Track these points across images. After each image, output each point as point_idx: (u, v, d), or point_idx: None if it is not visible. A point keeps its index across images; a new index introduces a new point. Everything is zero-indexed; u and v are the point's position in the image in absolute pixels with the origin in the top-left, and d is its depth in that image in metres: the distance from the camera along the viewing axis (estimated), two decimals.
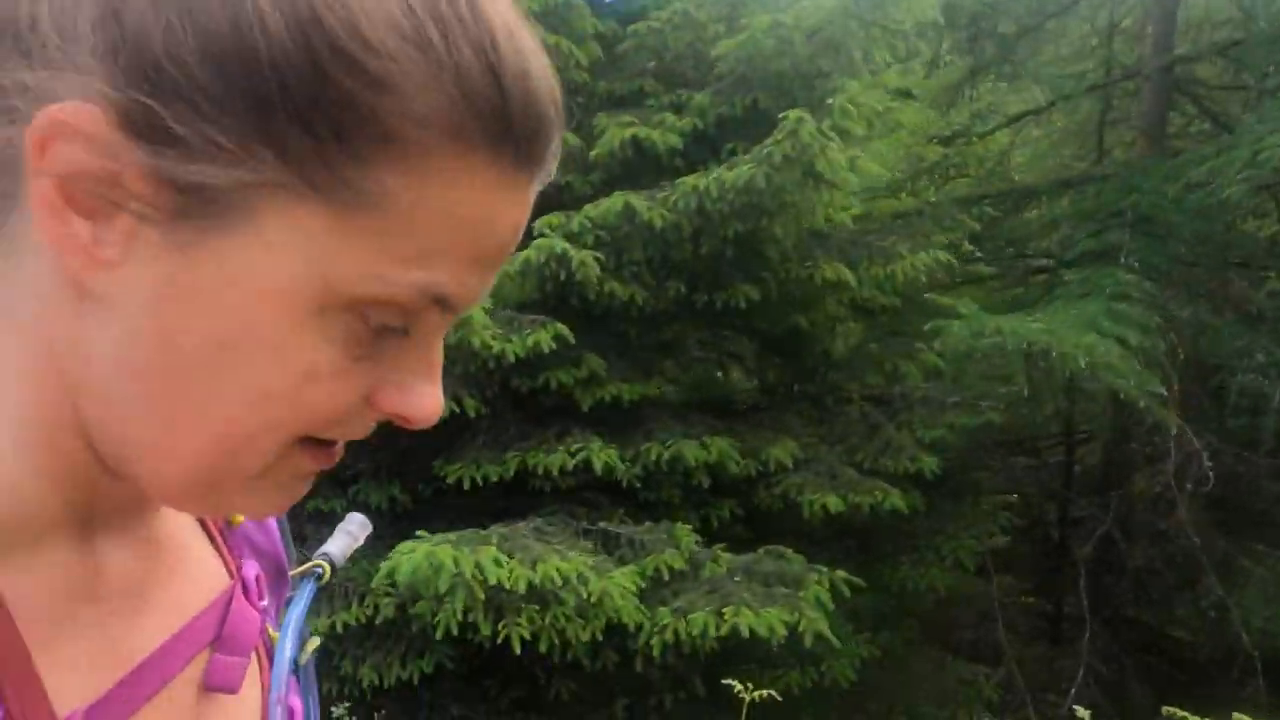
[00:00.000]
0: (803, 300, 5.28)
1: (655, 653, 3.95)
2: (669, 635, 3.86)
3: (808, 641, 3.85)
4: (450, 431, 4.58)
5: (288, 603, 0.51)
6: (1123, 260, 4.87)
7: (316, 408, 0.35)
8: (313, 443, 0.37)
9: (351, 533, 0.57)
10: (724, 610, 3.81)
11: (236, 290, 0.33)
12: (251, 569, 0.51)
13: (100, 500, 0.40)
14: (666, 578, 4.13)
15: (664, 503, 4.84)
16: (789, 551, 4.31)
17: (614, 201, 4.44)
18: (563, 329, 4.29)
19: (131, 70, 0.30)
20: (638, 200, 4.42)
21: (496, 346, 4.14)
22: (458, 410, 4.27)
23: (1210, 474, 4.68)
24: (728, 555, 4.35)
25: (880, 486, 4.65)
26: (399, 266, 0.34)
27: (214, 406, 0.35)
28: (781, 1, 5.01)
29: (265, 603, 0.51)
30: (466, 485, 4.53)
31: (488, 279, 0.37)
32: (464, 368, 4.34)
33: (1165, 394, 4.47)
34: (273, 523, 0.56)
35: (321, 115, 0.31)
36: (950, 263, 5.22)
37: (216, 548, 0.50)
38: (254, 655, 0.49)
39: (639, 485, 4.70)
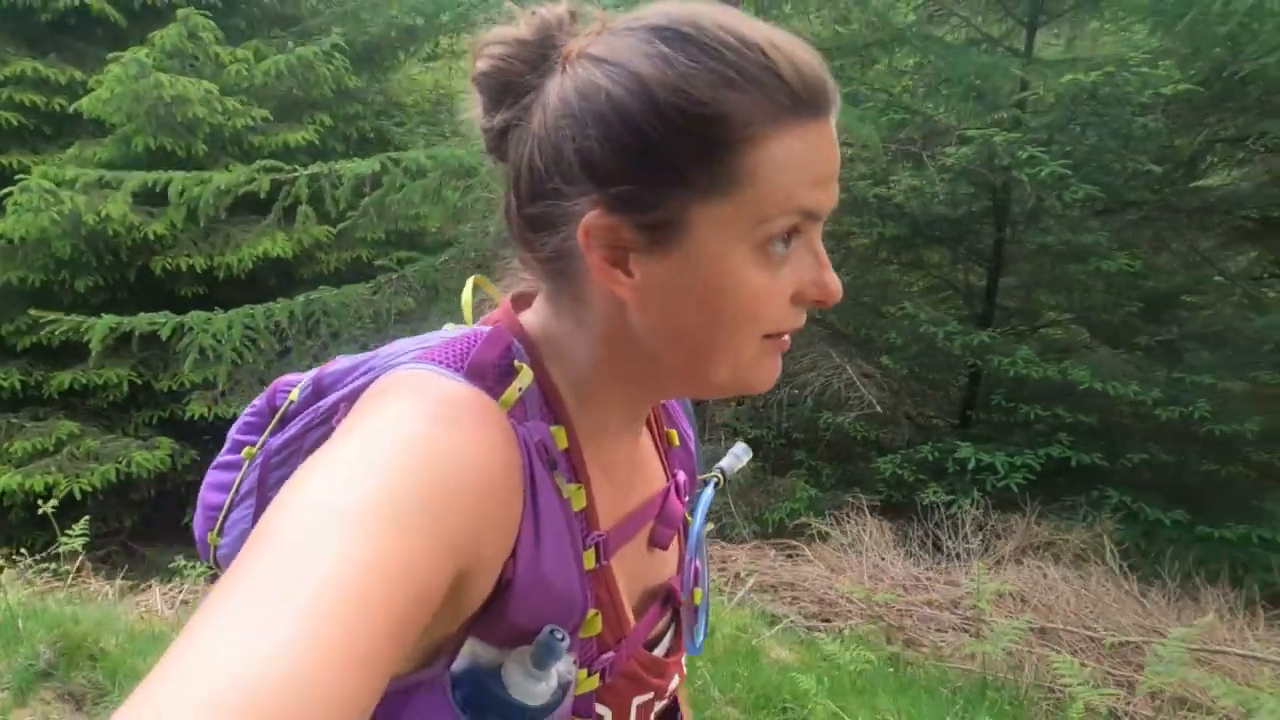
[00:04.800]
0: None
1: None
2: None
3: None
4: None
5: (695, 498, 0.80)
6: None
7: (767, 313, 0.57)
8: (769, 335, 0.59)
9: (738, 455, 0.84)
10: None
11: (698, 269, 0.55)
12: (681, 476, 0.78)
13: (622, 417, 0.67)
14: None
15: None
16: None
17: None
18: None
19: (601, 180, 0.55)
20: None
21: None
22: None
23: None
24: None
25: None
26: (776, 207, 0.54)
27: (717, 338, 0.57)
28: None
29: (687, 499, 0.78)
30: None
31: (831, 189, 0.57)
32: None
33: None
34: (692, 448, 0.82)
35: (698, 153, 0.53)
36: None
37: (661, 460, 0.77)
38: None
39: None
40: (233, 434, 0.70)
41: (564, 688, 0.59)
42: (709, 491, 0.81)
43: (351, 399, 0.59)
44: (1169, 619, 4.03)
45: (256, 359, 6.04)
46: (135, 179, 5.57)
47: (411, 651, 0.55)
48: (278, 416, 0.67)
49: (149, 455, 6.63)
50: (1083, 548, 5.21)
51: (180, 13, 6.77)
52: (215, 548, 0.69)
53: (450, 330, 0.68)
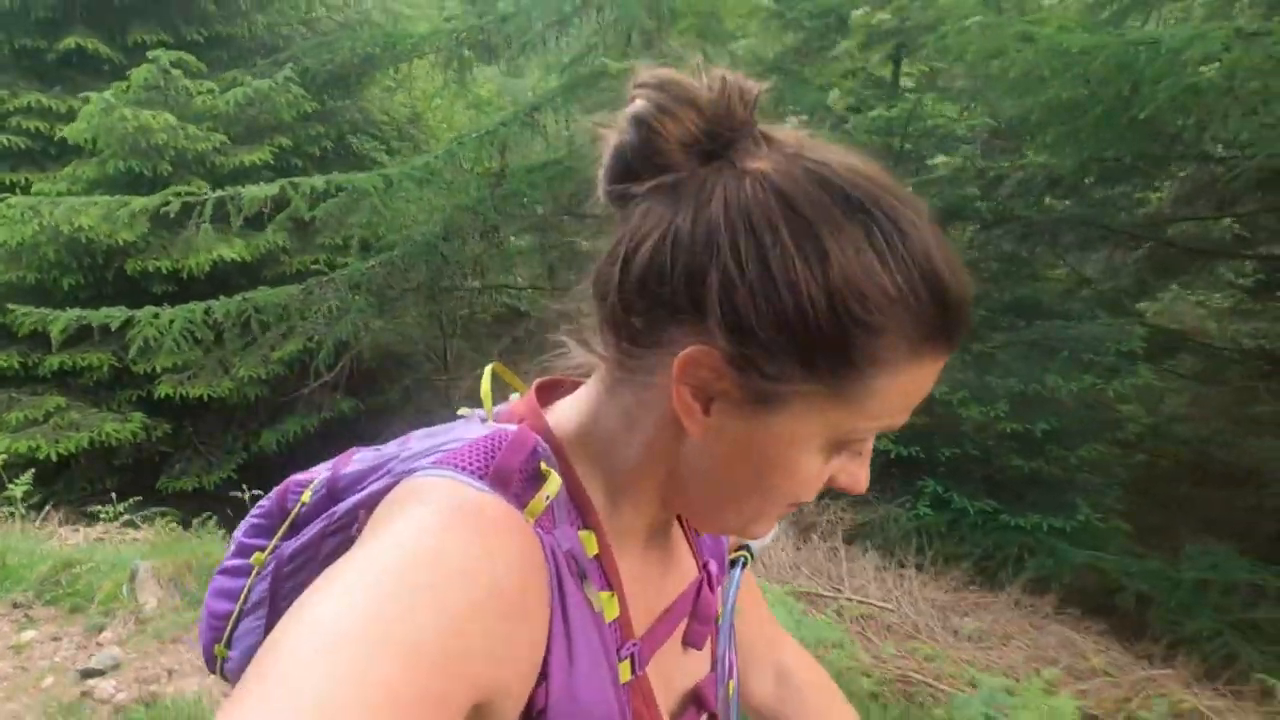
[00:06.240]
0: None
1: None
2: None
3: None
4: None
5: (724, 585, 0.75)
6: None
7: (804, 494, 0.58)
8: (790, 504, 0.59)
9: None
10: None
11: (774, 442, 0.54)
12: (713, 566, 0.74)
13: (654, 524, 0.65)
14: None
15: None
16: None
17: None
18: None
19: (735, 332, 0.51)
20: None
21: None
22: None
23: None
24: None
25: None
26: (871, 421, 0.54)
27: (750, 497, 0.58)
28: None
29: (719, 589, 0.74)
30: None
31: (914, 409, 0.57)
32: None
33: None
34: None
35: (840, 354, 0.51)
36: None
37: (690, 548, 0.74)
38: None
39: None
40: (239, 536, 0.67)
41: None
42: (737, 574, 0.76)
43: (370, 505, 0.56)
44: (862, 579, 4.83)
45: (193, 349, 7.25)
46: (68, 203, 6.79)
47: None
48: (289, 520, 0.64)
49: (119, 426, 7.90)
50: (860, 526, 5.98)
51: (152, 54, 7.99)
52: (222, 660, 0.66)
53: (467, 421, 0.63)
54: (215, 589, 0.67)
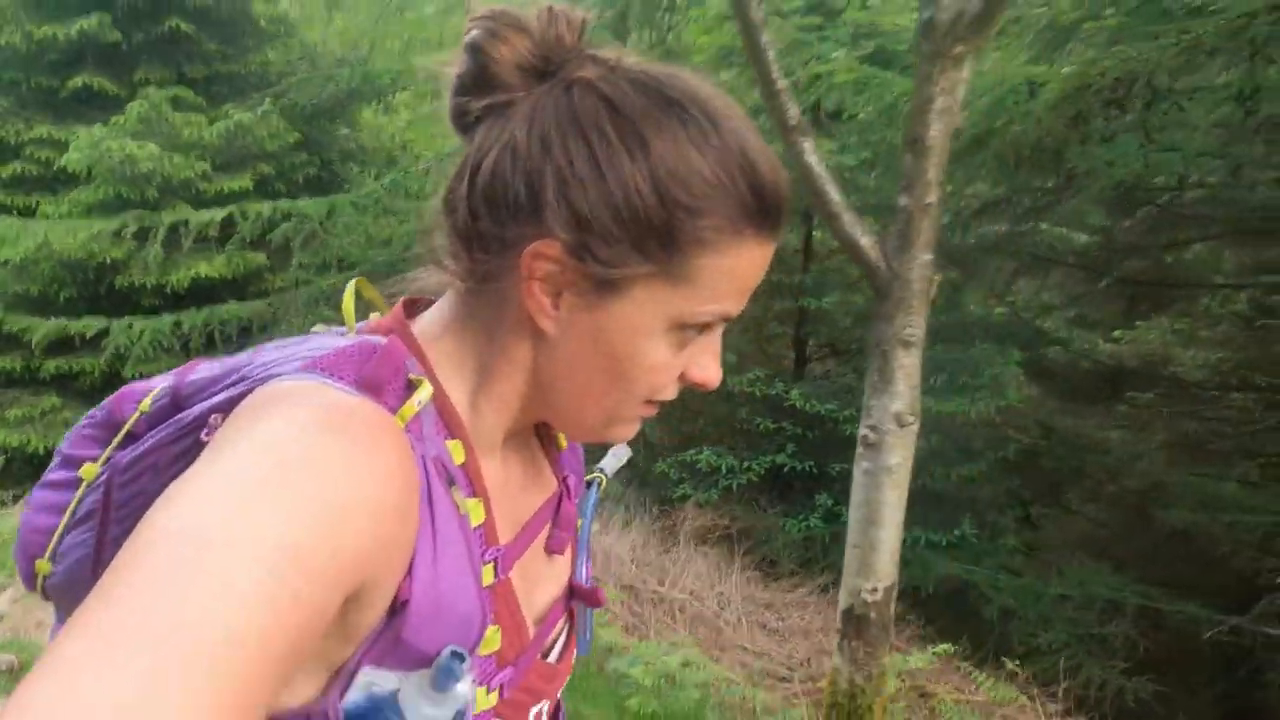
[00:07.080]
0: None
1: None
2: None
3: None
4: None
5: (582, 500, 0.80)
6: None
7: (658, 382, 0.62)
8: (648, 401, 0.63)
9: (618, 454, 0.84)
10: None
11: (620, 329, 0.59)
12: (571, 479, 0.78)
13: (510, 432, 0.67)
14: None
15: None
16: None
17: None
18: None
19: (573, 224, 0.55)
20: None
21: None
22: None
23: None
24: None
25: None
26: (706, 304, 0.59)
27: (608, 390, 0.61)
28: None
29: (577, 500, 0.79)
30: None
31: (749, 296, 0.61)
32: None
33: None
34: (580, 449, 0.83)
35: (667, 236, 0.56)
36: None
37: (551, 463, 0.77)
38: None
39: None
40: (64, 449, 0.64)
41: (461, 711, 0.57)
42: (593, 493, 0.82)
43: (225, 410, 0.54)
44: (689, 577, 5.29)
45: (161, 356, 8.07)
46: (46, 224, 7.71)
47: (299, 679, 0.53)
48: (124, 430, 0.62)
49: None
50: (740, 533, 6.43)
51: (142, 91, 8.94)
52: (44, 576, 0.64)
53: (324, 335, 0.64)
54: (37, 503, 0.65)
